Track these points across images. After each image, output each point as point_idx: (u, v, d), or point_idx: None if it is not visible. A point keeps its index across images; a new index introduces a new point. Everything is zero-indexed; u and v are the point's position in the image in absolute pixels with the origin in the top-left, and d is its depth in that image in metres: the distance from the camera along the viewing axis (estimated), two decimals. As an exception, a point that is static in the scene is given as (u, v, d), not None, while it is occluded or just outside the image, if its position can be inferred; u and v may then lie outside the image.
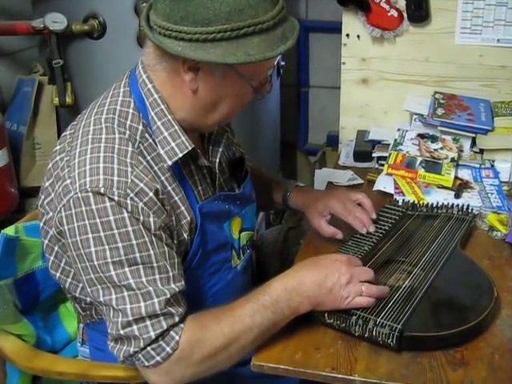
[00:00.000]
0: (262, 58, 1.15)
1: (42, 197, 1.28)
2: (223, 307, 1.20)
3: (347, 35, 2.23)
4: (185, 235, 1.27)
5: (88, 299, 1.30)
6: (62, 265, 1.30)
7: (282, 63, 2.68)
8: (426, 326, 1.22)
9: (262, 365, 1.19)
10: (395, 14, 2.12)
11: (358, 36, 2.21)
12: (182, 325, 1.16)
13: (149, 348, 1.14)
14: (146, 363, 1.15)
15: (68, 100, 2.36)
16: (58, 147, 1.28)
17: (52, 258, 1.31)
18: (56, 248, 1.28)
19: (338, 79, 2.31)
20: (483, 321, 1.23)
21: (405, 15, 2.12)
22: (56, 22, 2.21)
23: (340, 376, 1.15)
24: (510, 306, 1.32)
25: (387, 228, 1.56)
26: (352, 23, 2.20)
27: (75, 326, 1.54)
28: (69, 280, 1.31)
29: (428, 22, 2.12)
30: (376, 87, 2.27)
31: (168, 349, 1.14)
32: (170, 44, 1.15)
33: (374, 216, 1.56)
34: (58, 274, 1.32)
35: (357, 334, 1.21)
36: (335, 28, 2.42)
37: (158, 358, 1.14)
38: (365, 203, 1.57)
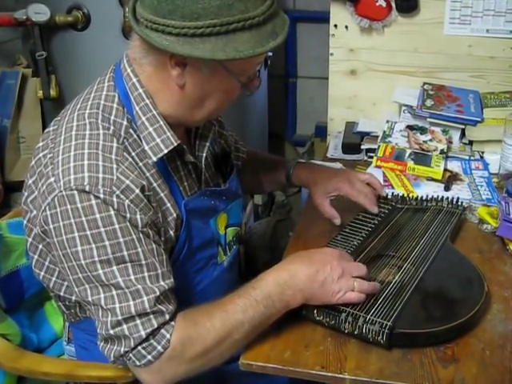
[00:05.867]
0: (252, 54, 1.13)
1: (26, 194, 1.26)
2: (214, 303, 1.19)
3: (335, 26, 2.20)
4: (171, 232, 1.25)
5: (73, 298, 1.27)
6: (47, 263, 1.28)
7: (270, 54, 2.64)
8: (417, 323, 1.21)
9: (250, 363, 1.17)
10: (383, 4, 2.10)
11: (346, 26, 2.19)
12: (172, 322, 1.15)
13: (140, 347, 1.12)
14: (138, 363, 1.13)
15: (52, 93, 2.33)
16: (40, 144, 1.25)
17: (36, 256, 1.28)
18: (40, 246, 1.26)
19: (326, 70, 2.29)
20: (474, 316, 1.22)
21: (393, 5, 2.10)
22: (39, 13, 2.18)
23: (330, 374, 1.13)
24: (501, 300, 1.32)
25: (376, 222, 1.55)
26: (340, 13, 2.17)
27: (61, 323, 1.52)
28: (53, 279, 1.29)
29: (417, 12, 2.10)
30: (364, 78, 2.25)
31: (159, 347, 1.12)
32: (156, 38, 1.13)
33: (384, 193, 1.61)
34: (42, 273, 1.29)
35: (346, 332, 1.20)
36: (323, 18, 2.40)
37: (149, 357, 1.13)
38: (373, 182, 1.60)
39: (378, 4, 2.10)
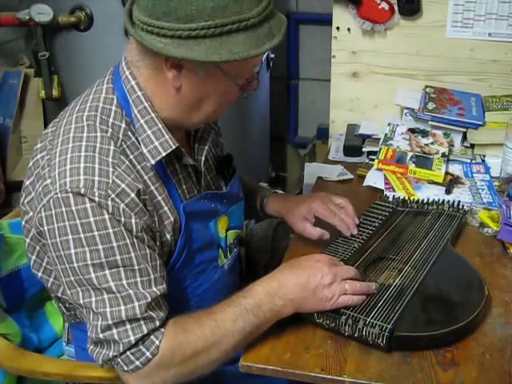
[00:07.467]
0: (247, 56, 1.12)
1: (24, 195, 1.26)
2: (205, 311, 1.18)
3: (337, 28, 2.20)
4: (168, 236, 1.25)
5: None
6: (44, 264, 1.28)
7: (272, 56, 2.65)
8: (417, 326, 1.21)
9: (250, 365, 1.17)
10: (386, 7, 2.10)
11: (349, 29, 2.19)
12: (162, 329, 1.15)
13: (128, 352, 1.12)
14: (126, 368, 1.13)
15: (55, 93, 2.34)
16: (38, 145, 1.25)
17: (34, 257, 1.28)
18: (37, 247, 1.26)
19: (328, 72, 2.29)
20: (474, 320, 1.22)
21: (396, 8, 2.10)
22: (42, 13, 2.18)
23: (329, 377, 1.13)
24: (501, 304, 1.31)
25: (377, 225, 1.54)
26: (342, 16, 2.18)
27: (62, 323, 1.52)
28: (51, 280, 1.29)
29: (419, 15, 2.10)
30: (366, 81, 2.25)
31: (148, 354, 1.12)
32: (151, 40, 1.12)
33: (357, 221, 1.51)
34: (39, 274, 1.29)
35: (346, 334, 1.20)
36: (325, 20, 2.40)
37: (137, 363, 1.13)
38: (347, 208, 1.52)
39: (380, 7, 2.10)
